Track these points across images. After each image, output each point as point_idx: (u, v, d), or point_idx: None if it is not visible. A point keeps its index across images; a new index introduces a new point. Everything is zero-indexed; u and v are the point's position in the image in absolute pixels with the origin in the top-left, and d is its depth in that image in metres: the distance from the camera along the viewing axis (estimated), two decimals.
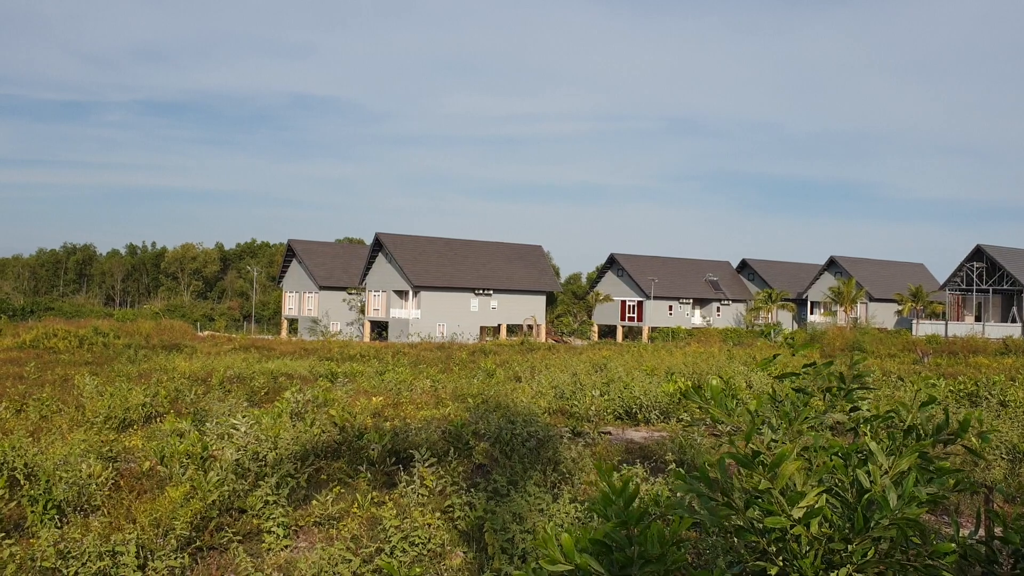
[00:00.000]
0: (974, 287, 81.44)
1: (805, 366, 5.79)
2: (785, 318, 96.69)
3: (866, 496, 4.21)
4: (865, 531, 3.92)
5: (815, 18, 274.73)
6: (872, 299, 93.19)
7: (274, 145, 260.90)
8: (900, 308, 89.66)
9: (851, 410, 5.24)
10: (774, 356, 5.84)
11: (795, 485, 4.09)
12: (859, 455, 4.53)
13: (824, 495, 4.12)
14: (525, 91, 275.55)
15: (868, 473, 4.27)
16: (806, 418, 5.10)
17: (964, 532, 4.64)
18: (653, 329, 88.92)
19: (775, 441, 4.65)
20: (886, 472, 4.24)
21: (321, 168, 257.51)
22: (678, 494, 6.95)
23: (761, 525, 3.96)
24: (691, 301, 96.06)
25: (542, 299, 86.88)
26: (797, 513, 3.91)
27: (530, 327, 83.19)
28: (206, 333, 71.19)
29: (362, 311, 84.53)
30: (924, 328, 77.50)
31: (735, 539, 4.18)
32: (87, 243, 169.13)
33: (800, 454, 4.50)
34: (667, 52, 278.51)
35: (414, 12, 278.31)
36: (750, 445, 4.32)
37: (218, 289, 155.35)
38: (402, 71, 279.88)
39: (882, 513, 3.94)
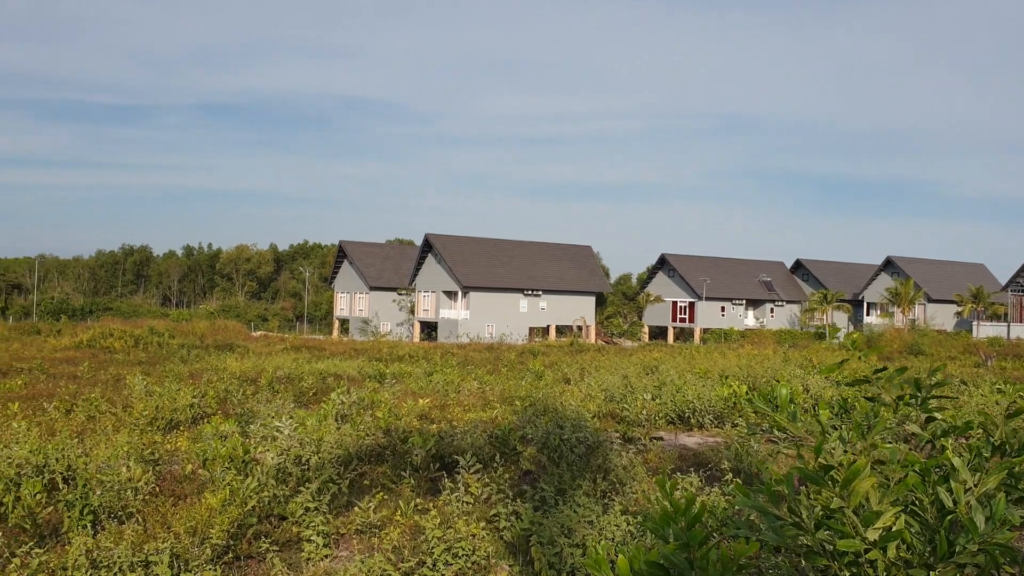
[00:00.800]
0: None
1: (876, 371, 5.36)
2: (840, 319, 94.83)
3: (949, 517, 3.82)
4: (949, 557, 3.54)
5: (869, 13, 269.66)
6: (930, 300, 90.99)
7: (325, 147, 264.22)
8: (960, 309, 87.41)
9: (927, 420, 4.83)
10: (842, 361, 5.43)
11: (870, 504, 3.73)
12: (939, 471, 4.14)
13: (902, 515, 3.74)
14: (574, 90, 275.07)
15: (950, 491, 3.89)
16: (880, 429, 4.70)
17: None
18: (705, 330, 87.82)
19: (848, 454, 4.27)
20: (970, 490, 3.85)
21: (371, 169, 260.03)
22: (737, 508, 6.50)
23: (832, 547, 3.61)
24: (744, 302, 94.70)
25: (591, 300, 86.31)
26: (872, 535, 3.54)
27: (579, 328, 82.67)
28: (259, 333, 71.98)
29: (412, 311, 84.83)
30: (985, 330, 75.43)
31: (803, 561, 3.83)
32: (144, 244, 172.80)
33: (873, 468, 4.11)
34: (718, 49, 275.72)
35: (461, 12, 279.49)
36: (822, 459, 3.95)
37: (272, 290, 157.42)
38: (450, 72, 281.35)
39: (968, 537, 3.57)
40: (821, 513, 3.81)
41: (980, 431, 4.86)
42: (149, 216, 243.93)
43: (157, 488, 10.15)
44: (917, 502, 4.03)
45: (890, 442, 4.79)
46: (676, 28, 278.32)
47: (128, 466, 9.58)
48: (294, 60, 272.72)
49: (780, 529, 3.93)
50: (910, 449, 5.04)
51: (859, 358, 5.17)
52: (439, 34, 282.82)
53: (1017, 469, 4.09)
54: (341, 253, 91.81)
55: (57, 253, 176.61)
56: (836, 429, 4.82)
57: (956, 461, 3.98)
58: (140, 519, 8.76)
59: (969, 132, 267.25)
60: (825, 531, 3.71)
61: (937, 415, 4.85)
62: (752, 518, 4.85)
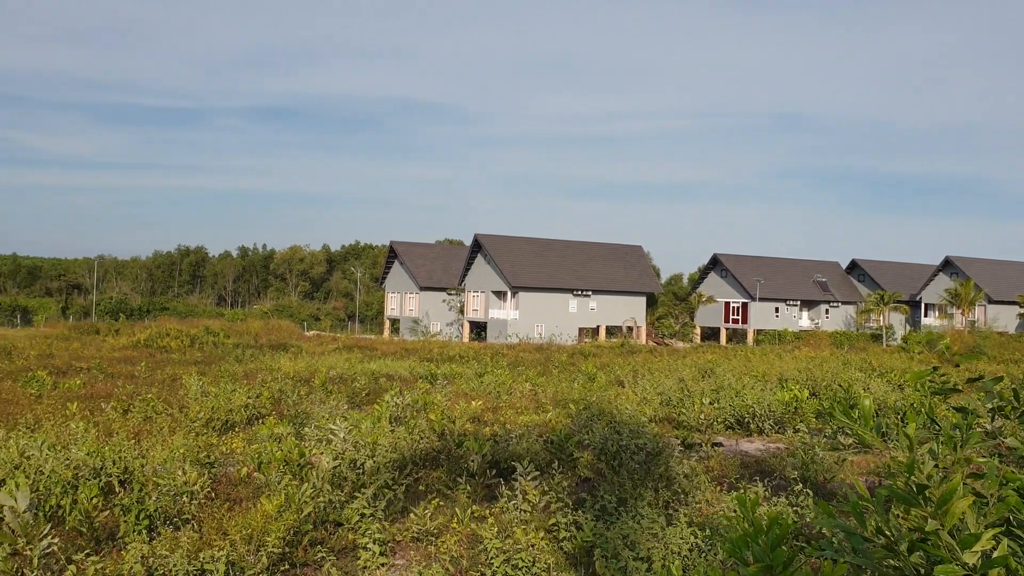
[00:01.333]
0: None
1: (969, 380, 5.02)
2: (897, 321, 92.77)
3: None
4: None
5: (925, 7, 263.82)
6: (991, 301, 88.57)
7: (376, 148, 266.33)
8: (1022, 311, 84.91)
9: None
10: (933, 369, 5.11)
11: (966, 525, 3.44)
12: None
13: (1004, 539, 3.44)
14: (625, 89, 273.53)
15: None
16: (975, 443, 4.39)
17: None
18: (759, 332, 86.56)
19: (937, 468, 3.97)
20: None
21: (421, 170, 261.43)
22: (819, 529, 6.15)
23: (927, 572, 3.33)
24: (798, 303, 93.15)
25: (642, 300, 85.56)
26: (971, 559, 3.25)
27: (630, 329, 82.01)
28: (312, 333, 72.66)
29: (461, 311, 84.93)
30: None
31: None
32: (200, 245, 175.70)
33: (965, 484, 3.82)
34: (771, 45, 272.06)
35: (510, 13, 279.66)
36: (916, 478, 3.66)
37: (324, 290, 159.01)
38: (499, 72, 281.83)
39: None
40: (913, 535, 3.53)
41: None
42: (205, 217, 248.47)
43: (212, 492, 10.09)
44: (1018, 524, 3.75)
45: (983, 456, 4.48)
46: (727, 25, 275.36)
47: (184, 469, 9.53)
48: (345, 63, 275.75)
49: (868, 552, 3.67)
50: (1005, 463, 4.72)
51: (956, 365, 4.86)
52: (489, 35, 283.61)
53: None
54: (392, 253, 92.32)
55: (116, 254, 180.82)
56: (923, 443, 4.51)
57: None
58: (196, 525, 8.68)
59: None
60: (918, 555, 3.44)
61: None
62: (837, 539, 4.58)
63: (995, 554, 3.30)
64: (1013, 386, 4.71)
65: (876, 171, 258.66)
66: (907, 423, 4.56)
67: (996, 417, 4.93)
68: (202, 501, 9.37)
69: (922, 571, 3.46)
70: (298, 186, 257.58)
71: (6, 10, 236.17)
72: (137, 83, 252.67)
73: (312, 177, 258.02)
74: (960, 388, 5.06)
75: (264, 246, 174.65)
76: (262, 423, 14.83)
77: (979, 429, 4.68)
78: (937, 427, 4.81)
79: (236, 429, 16.41)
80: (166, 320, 64.45)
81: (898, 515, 3.81)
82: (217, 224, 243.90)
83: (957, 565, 3.28)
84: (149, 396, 19.06)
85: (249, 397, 18.62)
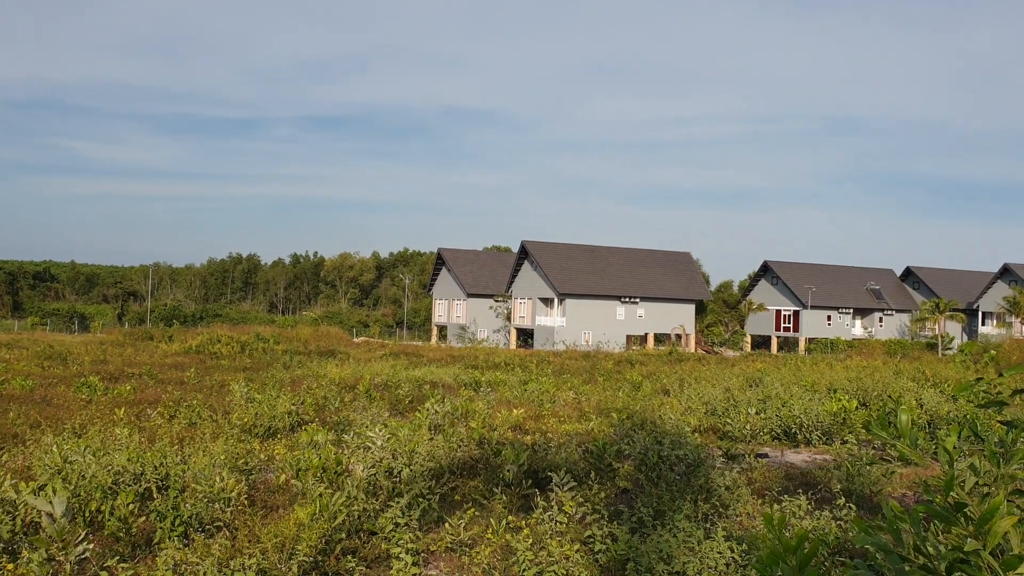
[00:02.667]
0: None
1: (1015, 392, 4.81)
2: (954, 329, 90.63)
3: None
4: None
5: (980, 9, 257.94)
6: None
7: (427, 155, 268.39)
8: None
9: None
10: (979, 379, 4.90)
11: (1009, 545, 3.27)
12: None
13: None
14: (674, 94, 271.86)
15: None
16: (1021, 459, 4.19)
17: None
18: (810, 340, 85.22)
19: (979, 486, 3.79)
20: None
21: (470, 177, 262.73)
22: (858, 547, 5.92)
23: None
24: (851, 311, 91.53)
25: (691, 307, 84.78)
26: None
27: (678, 336, 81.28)
28: (360, 339, 73.25)
29: (508, 318, 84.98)
30: None
31: None
32: (252, 253, 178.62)
33: (1010, 501, 3.63)
34: (823, 49, 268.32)
35: (561, 17, 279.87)
36: (953, 495, 3.50)
37: (373, 296, 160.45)
38: (549, 78, 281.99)
39: None
40: (953, 555, 3.36)
41: None
42: (258, 225, 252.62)
43: (249, 499, 10.13)
44: None
45: None
46: (780, 30, 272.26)
47: (222, 476, 9.58)
48: (398, 71, 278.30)
49: (906, 572, 3.51)
50: None
51: (999, 374, 4.65)
52: (539, 40, 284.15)
53: None
54: (439, 260, 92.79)
55: (170, 261, 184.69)
56: (965, 457, 4.29)
57: None
58: (229, 532, 8.70)
59: None
60: (958, 575, 3.28)
61: None
62: (876, 557, 4.41)
63: None
64: None
65: (931, 176, 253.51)
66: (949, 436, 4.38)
67: None
68: (238, 508, 9.40)
69: None
70: (348, 194, 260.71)
71: (62, 20, 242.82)
72: (195, 93, 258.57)
73: (362, 185, 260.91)
74: (1007, 401, 4.84)
75: (315, 253, 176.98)
76: (305, 430, 14.92)
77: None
78: (981, 441, 4.62)
79: (279, 435, 16.53)
80: (218, 327, 65.45)
81: (938, 533, 3.66)
82: (270, 232, 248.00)
83: None
84: (195, 402, 19.29)
85: (293, 404, 18.76)
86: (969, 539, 3.25)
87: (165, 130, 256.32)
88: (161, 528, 8.68)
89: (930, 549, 3.36)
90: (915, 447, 4.24)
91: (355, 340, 68.50)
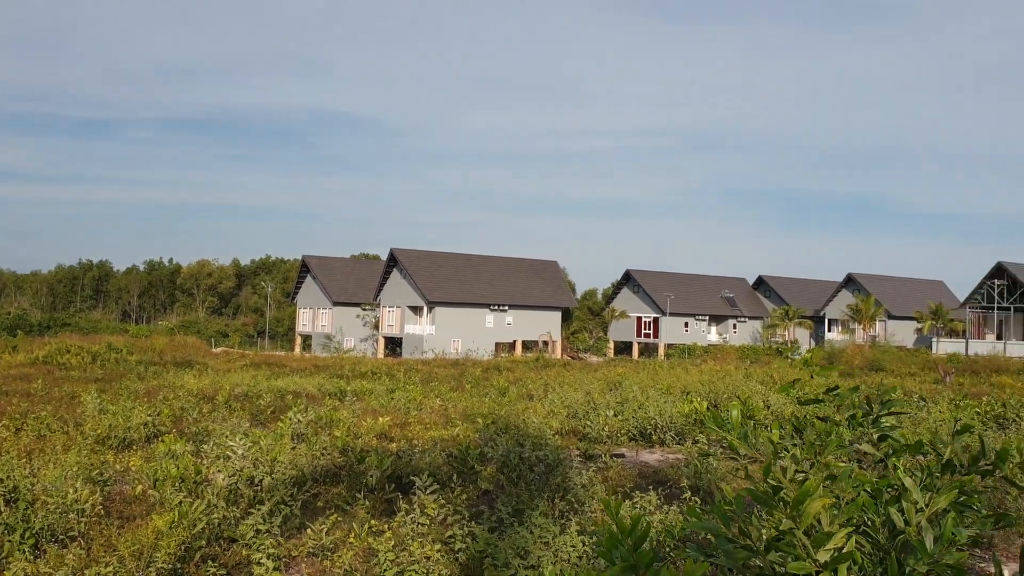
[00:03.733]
0: (995, 305, 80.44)
1: (828, 391, 5.34)
2: (802, 336, 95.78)
3: (900, 538, 3.79)
4: None
5: (835, 33, 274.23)
6: (891, 317, 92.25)
7: (293, 161, 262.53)
8: (920, 326, 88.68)
9: (879, 439, 4.81)
10: (795, 380, 5.40)
11: (821, 525, 3.68)
12: (891, 491, 4.10)
13: (853, 537, 3.68)
14: (545, 107, 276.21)
15: (902, 511, 3.85)
16: (833, 448, 4.66)
17: (1006, 572, 4.17)
18: (669, 346, 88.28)
19: (800, 473, 4.22)
20: (921, 510, 3.81)
21: (339, 184, 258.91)
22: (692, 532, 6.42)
23: (783, 570, 3.55)
24: (707, 318, 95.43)
25: (558, 315, 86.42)
26: (823, 556, 3.47)
27: (546, 343, 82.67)
28: (220, 349, 71.03)
29: (376, 327, 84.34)
30: (944, 346, 76.54)
31: None
32: (103, 259, 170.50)
33: (826, 487, 4.07)
34: (688, 68, 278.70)
35: (435, 28, 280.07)
36: (771, 479, 3.89)
37: (233, 305, 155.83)
38: (422, 87, 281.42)
39: (919, 558, 3.54)
40: (772, 535, 3.74)
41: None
42: (111, 231, 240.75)
43: (104, 509, 9.86)
44: (869, 523, 4.00)
45: (844, 462, 4.77)
46: (646, 47, 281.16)
47: (75, 487, 9.29)
48: (264, 75, 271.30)
49: (731, 552, 3.87)
50: (863, 469, 5.01)
51: (811, 376, 5.15)
52: (413, 49, 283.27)
53: (968, 487, 4.08)
54: (304, 268, 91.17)
55: (15, 268, 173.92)
56: (789, 450, 4.77)
57: (907, 481, 3.94)
58: (83, 542, 8.48)
59: (930, 151, 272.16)
60: (776, 553, 3.64)
61: (889, 434, 4.83)
62: (710, 538, 4.80)
63: (844, 550, 3.53)
64: (867, 396, 5.04)
65: (786, 189, 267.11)
66: (775, 431, 4.84)
67: (852, 425, 5.24)
68: (92, 519, 9.15)
69: (779, 569, 3.65)
70: (208, 199, 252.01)
71: None
72: (44, 91, 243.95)
73: (222, 190, 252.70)
74: (821, 398, 5.36)
75: (171, 260, 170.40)
76: (162, 441, 14.53)
77: (835, 436, 4.95)
78: (801, 435, 5.10)
79: (134, 447, 16.03)
80: (67, 336, 62.05)
81: (762, 517, 4.01)
82: (123, 238, 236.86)
83: (810, 562, 3.49)
84: (44, 414, 18.44)
85: (149, 415, 18.21)
86: (784, 519, 3.64)
87: (8, 129, 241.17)
88: (10, 541, 8.36)
89: (753, 531, 3.75)
90: (745, 440, 4.68)
91: (214, 350, 66.39)
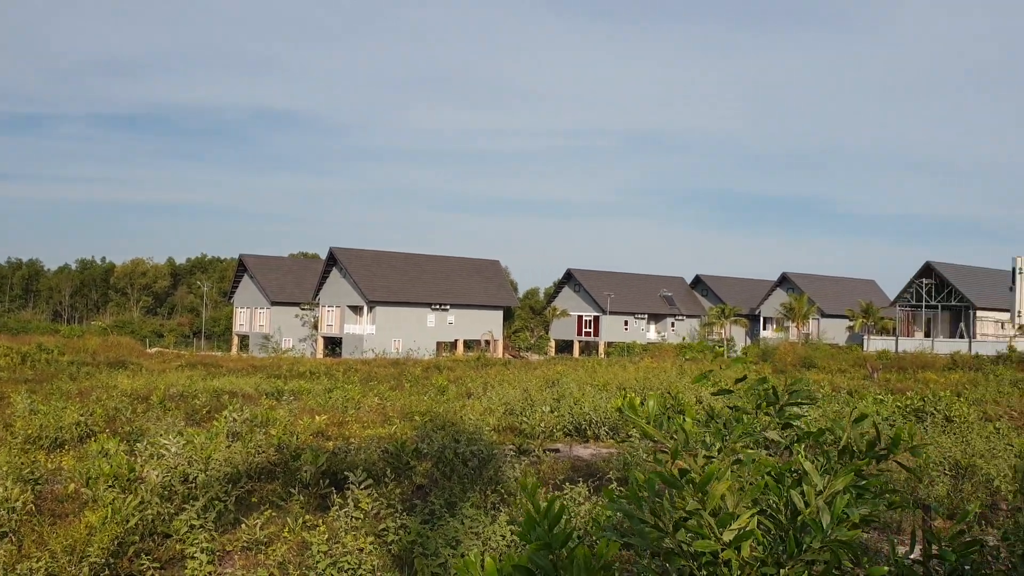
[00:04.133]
0: (923, 303, 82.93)
1: (737, 381, 5.63)
2: (738, 334, 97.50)
3: (800, 518, 4.04)
4: (798, 555, 3.75)
5: (773, 37, 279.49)
6: (824, 315, 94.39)
7: (230, 158, 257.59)
8: (851, 324, 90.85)
9: (784, 427, 5.09)
10: (706, 372, 5.66)
11: (727, 506, 3.92)
12: (793, 475, 4.37)
13: (757, 517, 3.93)
14: (487, 106, 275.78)
15: (802, 494, 4.11)
16: (740, 436, 4.93)
17: (902, 550, 4.49)
18: (609, 344, 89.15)
19: (709, 459, 4.47)
20: (820, 493, 4.08)
21: (277, 182, 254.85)
22: (613, 514, 6.70)
23: (691, 548, 3.77)
24: (646, 316, 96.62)
25: (499, 314, 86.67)
26: (728, 536, 3.72)
27: (487, 342, 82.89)
28: (154, 350, 69.77)
29: (315, 327, 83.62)
30: (875, 344, 78.57)
31: (666, 563, 3.98)
32: (33, 258, 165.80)
33: (733, 471, 4.32)
34: (628, 69, 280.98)
35: (378, 26, 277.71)
36: (679, 463, 4.13)
37: (168, 305, 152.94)
38: (364, 85, 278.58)
39: (815, 536, 3.79)
40: (681, 515, 3.95)
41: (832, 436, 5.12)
42: (41, 229, 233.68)
43: (36, 508, 9.81)
44: (772, 505, 4.26)
45: (752, 448, 5.03)
46: (587, 48, 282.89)
47: (5, 485, 9.22)
48: (204, 70, 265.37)
49: (644, 532, 4.07)
50: (769, 455, 5.31)
51: (720, 368, 5.45)
52: (356, 47, 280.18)
53: (864, 471, 4.36)
54: (241, 267, 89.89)
55: None
56: (701, 437, 5.02)
57: (807, 465, 4.21)
58: (15, 539, 8.46)
59: (861, 154, 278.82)
60: (685, 533, 3.85)
61: (793, 422, 5.12)
62: (624, 522, 5.04)
63: (746, 529, 3.78)
64: (772, 387, 5.30)
65: (724, 190, 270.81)
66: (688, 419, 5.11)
67: (759, 414, 5.55)
68: (23, 517, 9.10)
69: (687, 548, 3.88)
70: (142, 196, 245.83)
71: None
72: None
73: (157, 187, 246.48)
74: (732, 389, 5.61)
75: (104, 259, 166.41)
76: (94, 440, 14.39)
77: (742, 424, 5.23)
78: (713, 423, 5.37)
79: (67, 447, 15.84)
80: None
81: (673, 500, 4.24)
82: (54, 236, 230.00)
83: (715, 540, 3.73)
84: None
85: (81, 415, 17.98)
86: (692, 501, 3.89)
87: None
88: None
89: (666, 514, 3.99)
90: (660, 427, 4.94)
91: (148, 351, 65.23)
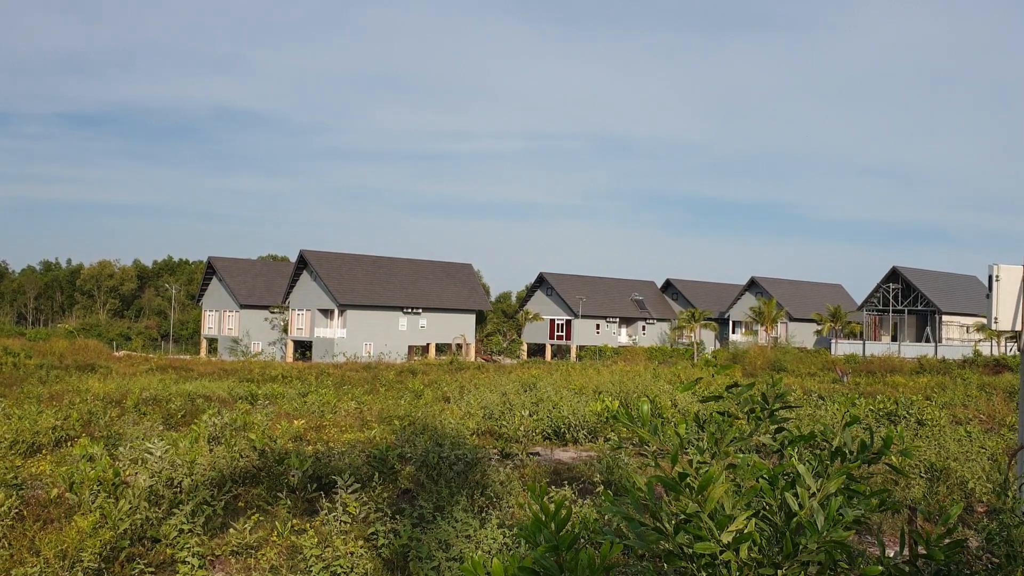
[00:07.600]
0: (890, 308, 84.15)
1: (728, 387, 5.77)
2: (708, 337, 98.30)
3: (795, 519, 4.16)
4: (794, 555, 3.87)
5: (739, 43, 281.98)
6: (792, 319, 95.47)
7: (196, 159, 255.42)
8: (819, 328, 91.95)
9: (776, 431, 5.23)
10: (697, 379, 5.79)
11: (724, 509, 4.03)
12: (786, 477, 4.49)
13: (753, 519, 4.05)
14: (456, 108, 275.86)
15: (796, 496, 4.23)
16: (732, 439, 5.06)
17: (889, 552, 4.65)
18: (581, 348, 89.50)
19: (703, 463, 4.59)
20: (814, 495, 4.21)
21: (245, 183, 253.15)
22: (607, 517, 6.82)
23: (691, 550, 3.88)
24: (618, 320, 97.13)
25: (472, 318, 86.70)
26: (726, 538, 3.83)
27: (459, 346, 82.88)
28: (122, 353, 68.95)
29: (285, 330, 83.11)
30: (843, 347, 79.54)
31: (665, 564, 4.09)
32: None
33: (727, 476, 4.44)
34: (597, 72, 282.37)
35: (344, 26, 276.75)
36: (678, 468, 4.24)
37: (135, 308, 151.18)
38: (331, 85, 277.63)
39: (810, 537, 3.90)
40: (680, 518, 4.06)
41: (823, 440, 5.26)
42: (5, 229, 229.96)
43: (21, 514, 9.76)
44: (767, 507, 4.38)
45: (744, 452, 5.17)
46: (556, 51, 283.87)
47: None
48: (168, 70, 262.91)
49: (643, 534, 4.18)
50: (760, 458, 5.46)
51: (712, 375, 5.58)
52: (322, 47, 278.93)
53: (856, 473, 4.50)
54: (210, 270, 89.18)
55: None
56: (694, 442, 5.13)
57: (801, 468, 4.34)
58: (6, 544, 8.42)
59: (831, 157, 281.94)
60: (683, 535, 3.95)
61: (785, 426, 5.26)
62: (620, 525, 5.16)
63: (745, 531, 3.91)
64: (762, 391, 5.44)
65: (692, 194, 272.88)
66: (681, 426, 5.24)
67: (750, 419, 5.70)
68: (11, 522, 9.05)
69: (687, 549, 4.00)
70: (108, 197, 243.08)
71: None
72: None
73: (123, 188, 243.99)
74: (720, 395, 5.75)
75: (70, 261, 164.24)
76: (71, 445, 14.28)
77: (734, 429, 5.37)
78: (703, 429, 5.51)
79: (43, 452, 15.69)
80: None
81: (670, 502, 4.35)
82: (18, 237, 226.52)
83: (714, 542, 3.85)
84: None
85: (57, 419, 17.80)
86: (691, 504, 4.01)
87: None
88: None
89: (663, 516, 4.11)
90: (654, 433, 5.07)
91: (116, 354, 64.46)
